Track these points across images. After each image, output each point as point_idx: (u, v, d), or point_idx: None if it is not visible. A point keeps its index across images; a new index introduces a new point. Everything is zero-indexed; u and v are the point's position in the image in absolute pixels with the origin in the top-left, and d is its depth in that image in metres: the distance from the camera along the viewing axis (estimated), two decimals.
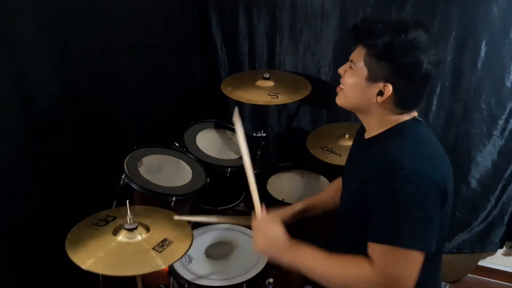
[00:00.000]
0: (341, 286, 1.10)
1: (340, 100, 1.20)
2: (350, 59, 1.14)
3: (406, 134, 1.11)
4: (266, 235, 1.21)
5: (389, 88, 1.07)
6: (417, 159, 1.04)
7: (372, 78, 1.09)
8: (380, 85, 1.08)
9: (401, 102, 1.11)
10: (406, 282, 1.02)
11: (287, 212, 1.49)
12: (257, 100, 1.98)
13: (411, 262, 1.02)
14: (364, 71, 1.10)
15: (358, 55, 1.11)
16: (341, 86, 1.19)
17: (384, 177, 1.03)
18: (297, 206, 1.52)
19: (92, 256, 1.18)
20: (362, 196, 1.09)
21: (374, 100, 1.11)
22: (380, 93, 1.09)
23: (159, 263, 1.19)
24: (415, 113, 1.15)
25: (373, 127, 1.17)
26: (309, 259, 1.14)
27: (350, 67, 1.14)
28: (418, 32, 1.04)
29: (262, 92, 2.02)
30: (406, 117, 1.13)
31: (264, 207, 1.28)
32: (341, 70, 1.19)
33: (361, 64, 1.10)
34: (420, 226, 1.01)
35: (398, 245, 1.00)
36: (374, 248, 1.05)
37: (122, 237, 1.27)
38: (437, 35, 1.87)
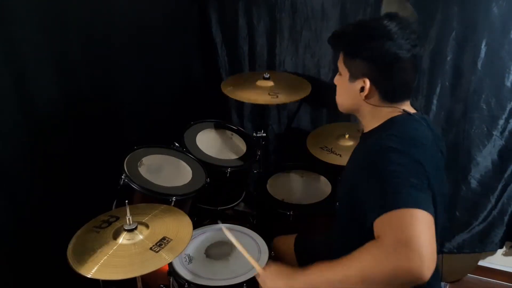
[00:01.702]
0: (366, 278, 0.98)
1: (339, 107, 1.27)
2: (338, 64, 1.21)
3: (395, 126, 1.12)
4: (270, 278, 1.16)
5: (367, 82, 1.11)
6: (408, 143, 1.04)
7: (352, 77, 1.15)
8: (360, 81, 1.13)
9: (385, 94, 1.13)
10: (419, 242, 0.90)
11: None
12: (257, 99, 1.98)
13: (418, 221, 0.92)
14: (347, 73, 1.16)
15: (340, 60, 1.18)
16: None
17: (374, 157, 1.04)
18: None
19: (95, 263, 1.17)
20: (355, 187, 1.08)
21: (360, 97, 1.15)
22: (362, 89, 1.13)
23: (161, 261, 1.19)
24: (410, 109, 1.16)
25: (368, 123, 1.21)
26: (323, 272, 1.05)
27: (340, 74, 1.20)
28: (381, 23, 1.08)
29: (262, 92, 2.02)
30: (397, 111, 1.14)
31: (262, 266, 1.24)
32: (334, 80, 1.25)
33: (342, 67, 1.17)
34: (416, 190, 0.96)
35: (398, 207, 0.93)
36: (377, 225, 0.97)
37: (122, 239, 1.27)
38: (436, 34, 1.88)
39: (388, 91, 1.13)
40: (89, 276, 1.13)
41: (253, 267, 1.27)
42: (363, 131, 1.26)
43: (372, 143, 1.11)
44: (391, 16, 1.09)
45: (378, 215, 0.96)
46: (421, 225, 0.91)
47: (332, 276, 1.03)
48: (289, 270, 1.13)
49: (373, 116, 1.17)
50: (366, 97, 1.14)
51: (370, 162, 1.05)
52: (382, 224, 0.96)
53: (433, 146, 1.14)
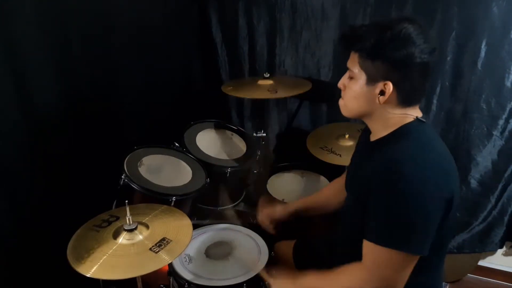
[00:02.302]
0: None
1: (346, 112, 1.21)
2: (347, 66, 1.16)
3: (410, 137, 1.10)
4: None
5: (390, 86, 1.08)
6: (423, 165, 1.03)
7: (371, 80, 1.10)
8: (380, 84, 1.09)
9: (403, 98, 1.11)
10: (397, 283, 1.05)
11: (281, 210, 1.59)
12: (256, 95, 1.97)
13: (403, 264, 1.04)
14: (363, 76, 1.11)
15: (353, 62, 1.13)
16: (342, 96, 1.20)
17: (388, 181, 1.03)
18: (292, 206, 1.59)
19: (95, 262, 1.17)
20: (365, 198, 1.10)
21: (377, 101, 1.11)
22: (382, 92, 1.10)
23: (161, 262, 1.19)
24: (419, 113, 1.15)
25: (379, 129, 1.17)
26: (313, 280, 1.22)
27: (350, 77, 1.15)
28: (403, 25, 1.05)
29: (262, 89, 2.02)
30: (410, 118, 1.13)
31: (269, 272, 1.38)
32: (340, 84, 1.20)
33: (358, 69, 1.12)
34: (418, 232, 1.03)
35: (392, 247, 1.02)
36: (368, 246, 1.07)
37: (122, 239, 1.26)
38: (436, 34, 1.88)
39: (407, 95, 1.11)
40: (88, 275, 1.13)
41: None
42: (369, 136, 1.23)
43: (385, 159, 1.09)
44: (409, 20, 1.08)
45: (372, 241, 1.07)
46: (405, 268, 1.05)
47: (321, 285, 1.20)
48: (292, 275, 1.27)
49: (385, 122, 1.14)
50: (385, 101, 1.10)
51: (385, 186, 1.04)
52: (372, 250, 1.07)
53: (447, 151, 1.14)
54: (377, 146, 1.16)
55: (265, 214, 1.61)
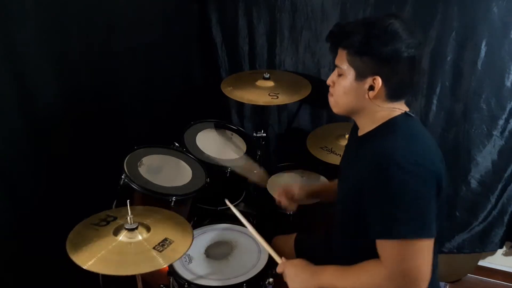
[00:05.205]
0: None
1: (336, 109, 1.23)
2: (335, 63, 1.17)
3: (397, 129, 1.12)
4: (294, 273, 1.25)
5: (379, 80, 1.09)
6: (410, 152, 1.05)
7: (360, 76, 1.12)
8: (369, 80, 1.11)
9: (392, 92, 1.12)
10: (420, 274, 1.02)
11: (300, 189, 1.57)
12: (257, 100, 1.98)
13: (420, 251, 1.02)
14: (351, 72, 1.13)
15: (341, 59, 1.14)
16: (331, 93, 1.21)
17: (381, 175, 1.04)
18: (310, 187, 1.61)
19: (92, 256, 1.17)
20: (358, 193, 1.10)
21: (367, 96, 1.13)
22: (371, 87, 1.11)
23: (160, 262, 1.19)
24: (406, 108, 1.16)
25: (366, 124, 1.19)
26: (332, 276, 1.18)
27: (339, 74, 1.16)
28: (389, 21, 1.07)
29: (262, 92, 2.02)
30: (397, 112, 1.14)
31: (282, 258, 1.34)
32: (329, 81, 1.21)
33: (346, 66, 1.13)
34: (420, 215, 1.02)
35: (403, 237, 1.01)
36: (380, 244, 1.07)
37: (122, 237, 1.26)
38: (436, 34, 1.88)
39: (395, 89, 1.12)
40: (84, 267, 1.14)
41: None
42: (357, 132, 1.25)
43: (374, 152, 1.09)
44: (395, 16, 1.10)
45: (382, 237, 1.05)
46: (422, 255, 1.02)
47: (338, 282, 1.16)
48: (311, 267, 1.24)
49: (373, 117, 1.16)
50: (374, 96, 1.12)
51: (378, 177, 1.05)
52: (385, 247, 1.06)
53: (434, 144, 1.15)
54: (365, 140, 1.18)
55: (283, 191, 1.58)
